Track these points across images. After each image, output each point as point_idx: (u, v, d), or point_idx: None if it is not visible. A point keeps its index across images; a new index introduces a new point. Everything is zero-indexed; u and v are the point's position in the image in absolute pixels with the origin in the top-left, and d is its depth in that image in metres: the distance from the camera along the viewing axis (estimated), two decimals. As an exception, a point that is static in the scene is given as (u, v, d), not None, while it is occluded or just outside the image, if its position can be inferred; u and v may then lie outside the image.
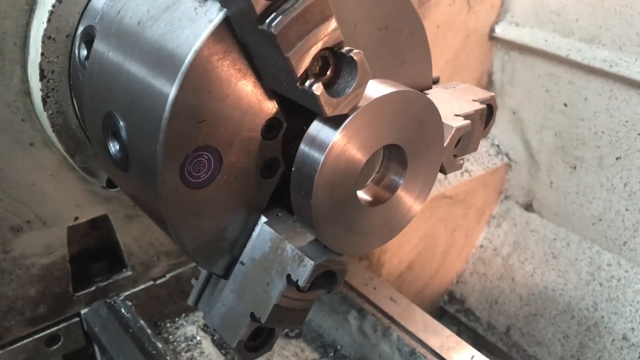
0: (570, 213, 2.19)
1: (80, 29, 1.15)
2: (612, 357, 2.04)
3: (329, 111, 0.82)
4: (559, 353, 2.17)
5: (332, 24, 0.81)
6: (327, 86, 0.83)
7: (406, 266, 2.26)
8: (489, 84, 2.28)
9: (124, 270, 1.56)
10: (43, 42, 1.14)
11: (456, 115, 1.07)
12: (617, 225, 2.05)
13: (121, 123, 0.96)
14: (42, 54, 1.15)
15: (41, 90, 1.17)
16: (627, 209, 2.00)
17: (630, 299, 2.03)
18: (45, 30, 1.13)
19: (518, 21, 2.12)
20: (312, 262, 0.92)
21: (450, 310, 2.46)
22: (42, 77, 1.17)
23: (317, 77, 0.83)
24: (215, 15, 0.85)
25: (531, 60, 2.12)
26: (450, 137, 1.03)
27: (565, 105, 2.07)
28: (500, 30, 2.15)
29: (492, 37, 2.18)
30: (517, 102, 2.22)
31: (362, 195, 0.99)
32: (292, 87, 0.83)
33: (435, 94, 1.15)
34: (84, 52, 1.14)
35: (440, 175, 2.18)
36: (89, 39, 1.13)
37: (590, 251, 2.14)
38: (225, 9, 0.84)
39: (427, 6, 1.88)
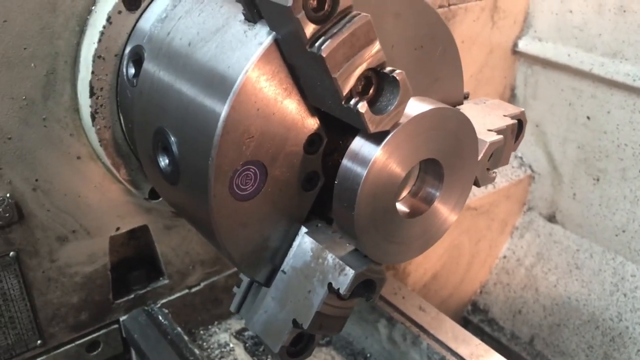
0: (593, 224, 2.21)
1: (128, 48, 1.22)
2: (637, 367, 2.06)
3: (372, 128, 0.87)
4: (583, 363, 2.20)
5: (376, 46, 0.86)
6: (370, 104, 0.88)
7: (431, 276, 2.29)
8: (512, 98, 2.32)
9: (161, 278, 1.61)
10: (93, 61, 1.20)
11: (489, 130, 1.11)
12: (640, 237, 2.07)
13: (172, 138, 1.01)
14: (92, 72, 1.21)
15: (90, 106, 1.24)
16: (650, 221, 2.03)
17: (654, 310, 2.05)
18: (96, 49, 1.20)
19: (541, 36, 2.16)
20: (353, 271, 0.97)
21: (474, 320, 2.48)
22: (92, 94, 1.23)
23: (361, 95, 0.88)
24: (264, 38, 0.91)
25: (554, 74, 2.15)
26: (484, 151, 1.08)
27: (588, 118, 2.10)
28: (524, 45, 2.19)
29: (515, 52, 2.22)
30: (540, 115, 2.26)
31: (400, 207, 1.04)
32: (336, 106, 0.88)
33: (467, 110, 1.19)
34: (132, 71, 1.21)
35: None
36: (136, 58, 1.19)
37: (614, 262, 2.16)
38: (274, 32, 0.90)
39: (452, 22, 1.93)
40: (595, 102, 2.06)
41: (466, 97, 1.28)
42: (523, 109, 1.21)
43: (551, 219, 2.37)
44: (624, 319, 2.10)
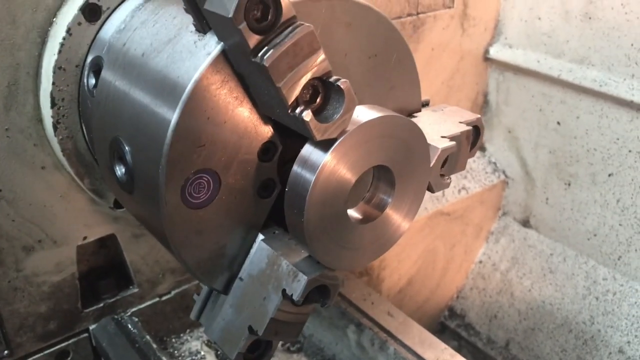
0: (566, 229, 2.23)
1: (89, 59, 1.23)
2: (609, 370, 2.08)
3: (318, 136, 0.89)
4: (557, 367, 2.21)
5: (321, 56, 0.88)
6: (317, 112, 0.89)
7: (406, 282, 2.31)
8: (484, 104, 2.34)
9: (130, 287, 1.61)
10: (54, 72, 1.21)
11: (442, 137, 1.13)
12: (611, 240, 2.09)
13: (127, 148, 1.03)
14: (53, 83, 1.22)
15: (52, 117, 1.24)
16: (620, 224, 2.05)
17: (625, 313, 2.07)
18: (56, 61, 1.21)
19: (511, 43, 2.19)
20: (305, 277, 0.97)
21: (451, 325, 2.50)
22: (53, 104, 1.24)
23: (308, 104, 0.89)
24: (213, 48, 0.92)
25: (525, 80, 2.18)
26: (436, 157, 1.09)
27: (558, 123, 2.13)
28: (495, 52, 2.22)
29: (486, 59, 2.24)
30: (513, 121, 2.28)
31: (353, 213, 1.05)
32: (284, 114, 0.90)
33: (423, 117, 1.21)
34: (92, 81, 1.22)
35: (438, 192, 2.23)
36: (96, 69, 1.20)
37: (586, 266, 2.19)
38: (222, 43, 0.91)
39: (422, 30, 1.95)
40: (565, 108, 2.08)
41: (425, 104, 1.29)
42: (479, 116, 1.23)
43: (525, 223, 2.40)
44: (596, 322, 2.12)
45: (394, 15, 1.81)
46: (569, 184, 2.17)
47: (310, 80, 0.88)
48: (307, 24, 0.86)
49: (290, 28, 0.86)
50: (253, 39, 0.84)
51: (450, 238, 2.35)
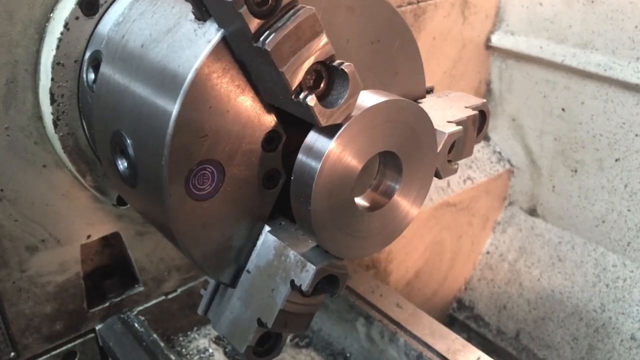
0: (573, 216, 2.21)
1: (88, 54, 1.21)
2: (622, 357, 2.05)
3: (323, 121, 0.87)
4: (568, 356, 2.19)
5: (323, 39, 0.86)
6: (321, 98, 0.88)
7: (414, 274, 2.29)
8: (487, 92, 2.32)
9: (136, 285, 1.60)
10: (53, 68, 1.20)
11: (449, 121, 1.11)
12: (620, 226, 2.07)
13: (128, 141, 1.01)
14: (52, 79, 1.20)
15: (52, 113, 1.23)
16: (629, 210, 2.03)
17: (636, 299, 2.05)
18: (55, 56, 1.19)
19: (513, 30, 2.17)
20: (314, 267, 0.96)
21: (460, 317, 2.48)
22: (53, 101, 1.22)
23: (311, 89, 0.88)
24: (213, 35, 0.90)
25: (528, 67, 2.16)
26: (443, 142, 1.08)
27: (563, 110, 2.10)
28: (496, 39, 2.20)
29: (488, 47, 2.22)
30: (516, 108, 2.26)
31: (360, 201, 1.03)
32: (287, 100, 0.88)
33: (428, 103, 1.19)
34: (92, 76, 1.20)
35: (443, 183, 2.21)
36: (96, 64, 1.19)
37: (595, 253, 2.17)
38: (222, 29, 0.90)
39: (423, 19, 1.93)
40: (569, 94, 2.06)
41: (429, 91, 1.28)
42: (485, 100, 1.21)
43: (532, 212, 2.38)
44: (607, 309, 2.10)
45: (395, 4, 1.79)
46: (576, 171, 2.15)
47: (313, 64, 0.86)
48: (309, 7, 0.84)
49: (291, 11, 0.84)
50: (254, 23, 0.82)
51: (456, 229, 2.33)
